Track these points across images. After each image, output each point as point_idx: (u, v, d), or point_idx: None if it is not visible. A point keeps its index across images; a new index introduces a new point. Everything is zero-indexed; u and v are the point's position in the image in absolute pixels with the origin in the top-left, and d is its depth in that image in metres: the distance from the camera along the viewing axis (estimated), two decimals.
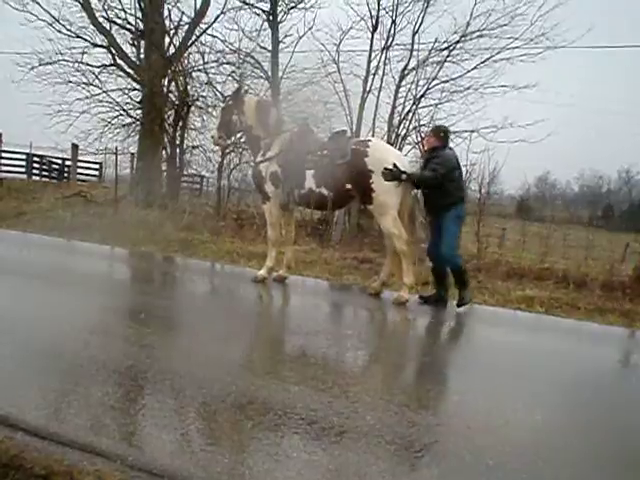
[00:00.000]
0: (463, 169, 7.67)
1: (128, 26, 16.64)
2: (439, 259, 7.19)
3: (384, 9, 13.68)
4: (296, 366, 4.36)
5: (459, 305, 7.06)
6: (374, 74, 13.63)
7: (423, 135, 13.12)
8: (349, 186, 7.19)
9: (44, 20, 16.23)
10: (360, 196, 7.28)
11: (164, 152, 16.88)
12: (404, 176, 6.95)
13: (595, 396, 4.50)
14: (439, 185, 6.96)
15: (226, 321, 5.80)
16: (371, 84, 13.61)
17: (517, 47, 12.96)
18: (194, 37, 16.35)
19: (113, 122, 17.24)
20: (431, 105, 13.90)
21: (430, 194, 7.20)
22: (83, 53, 16.62)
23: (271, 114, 7.98)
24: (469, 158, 12.28)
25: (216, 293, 7.90)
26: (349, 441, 3.13)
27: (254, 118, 7.90)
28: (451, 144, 7.54)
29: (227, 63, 16.19)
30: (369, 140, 7.69)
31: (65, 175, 25.28)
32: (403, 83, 13.66)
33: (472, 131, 13.05)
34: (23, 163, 23.82)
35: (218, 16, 15.95)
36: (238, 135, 9.31)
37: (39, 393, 3.53)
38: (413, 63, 13.60)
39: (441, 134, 7.35)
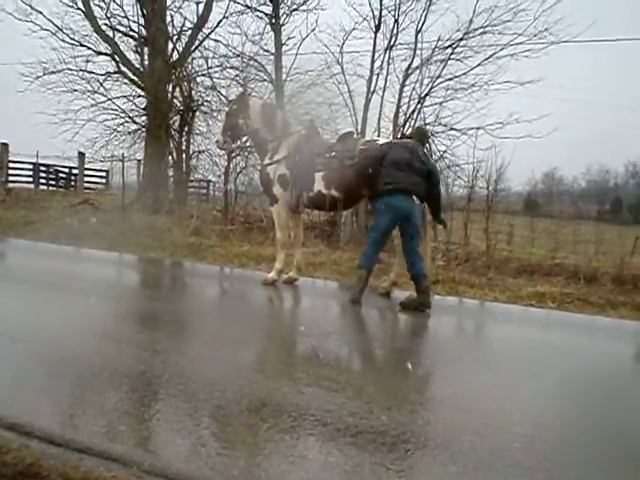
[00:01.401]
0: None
1: (131, 33, 16.76)
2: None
3: (386, 9, 13.58)
4: (309, 368, 4.34)
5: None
6: (378, 74, 13.56)
7: (429, 134, 13.11)
8: (359, 186, 7.18)
9: (47, 29, 16.38)
10: (371, 196, 7.27)
11: (170, 158, 16.93)
12: None
13: (611, 392, 4.47)
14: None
15: (237, 324, 5.79)
16: (375, 84, 13.55)
17: (521, 43, 12.85)
18: (197, 42, 16.44)
19: (119, 129, 17.37)
20: (436, 104, 13.84)
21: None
22: (87, 61, 16.77)
23: (277, 117, 8.01)
24: (475, 155, 12.16)
25: (226, 297, 7.90)
26: (365, 441, 3.12)
27: (260, 121, 7.93)
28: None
29: (231, 67, 16.24)
30: (376, 140, 7.69)
31: (72, 183, 25.42)
32: (407, 82, 13.60)
33: (478, 128, 12.95)
34: (30, 172, 23.89)
35: (220, 21, 16.03)
36: (244, 139, 9.31)
37: (53, 400, 3.54)
38: (417, 62, 13.53)
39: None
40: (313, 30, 15.02)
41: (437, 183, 6.98)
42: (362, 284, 6.84)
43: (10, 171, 22.27)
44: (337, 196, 7.38)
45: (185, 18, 16.45)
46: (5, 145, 20.87)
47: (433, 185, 6.87)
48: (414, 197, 6.69)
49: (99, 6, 16.24)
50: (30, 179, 23.82)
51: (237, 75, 16.05)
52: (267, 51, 15.60)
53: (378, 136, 12.48)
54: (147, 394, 3.65)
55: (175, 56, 16.52)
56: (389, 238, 7.10)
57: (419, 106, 13.48)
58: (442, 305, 7.11)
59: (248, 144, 12.56)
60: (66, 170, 25.42)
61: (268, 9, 15.44)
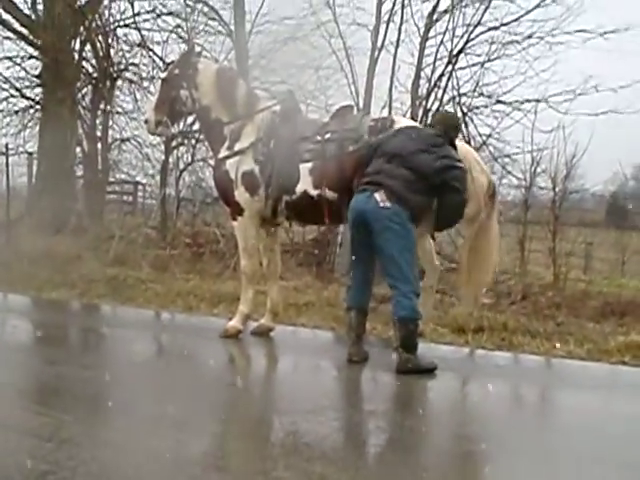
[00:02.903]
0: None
1: None
2: None
3: None
4: (294, 462, 4.31)
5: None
6: (388, 22, 13.66)
7: (465, 109, 13.16)
8: None
9: None
10: None
11: (79, 149, 16.90)
12: None
13: None
14: None
15: (183, 399, 5.75)
16: (384, 37, 13.62)
17: None
18: None
19: (0, 107, 17.29)
20: (475, 64, 13.89)
21: None
22: None
23: (238, 87, 8.03)
24: (535, 141, 12.10)
25: (166, 357, 7.86)
26: None
27: (213, 94, 7.93)
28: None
29: (169, 13, 16.31)
30: (392, 117, 7.72)
31: None
32: (432, 33, 13.68)
33: (538, 100, 13.05)
34: None
35: None
36: (189, 120, 9.32)
37: None
38: (446, 2, 13.65)
39: None
40: None
41: (454, 189, 6.69)
42: (352, 332, 6.87)
43: None
44: (333, 198, 7.34)
45: None
46: None
47: (447, 190, 6.68)
48: (376, 193, 6.50)
49: None
50: None
51: (178, 26, 16.14)
52: None
53: (389, 113, 12.49)
54: None
55: None
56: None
57: (450, 68, 13.53)
58: (489, 365, 7.10)
59: (196, 127, 12.59)
60: None
61: None
